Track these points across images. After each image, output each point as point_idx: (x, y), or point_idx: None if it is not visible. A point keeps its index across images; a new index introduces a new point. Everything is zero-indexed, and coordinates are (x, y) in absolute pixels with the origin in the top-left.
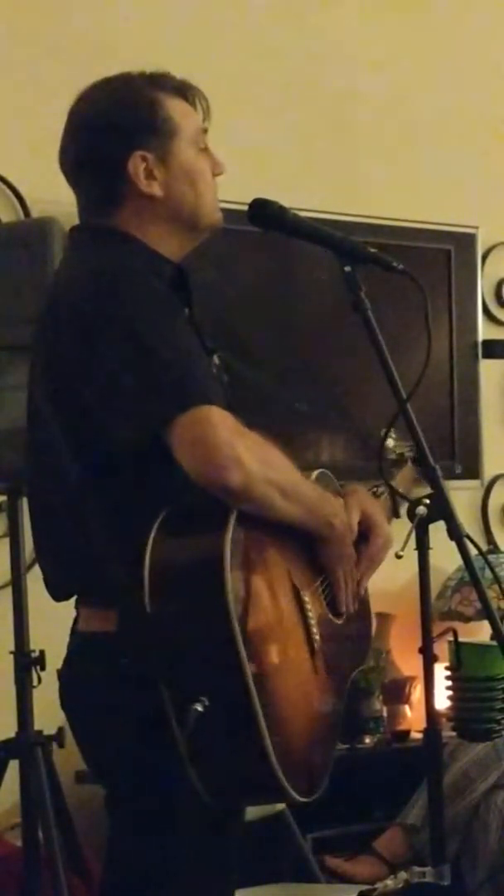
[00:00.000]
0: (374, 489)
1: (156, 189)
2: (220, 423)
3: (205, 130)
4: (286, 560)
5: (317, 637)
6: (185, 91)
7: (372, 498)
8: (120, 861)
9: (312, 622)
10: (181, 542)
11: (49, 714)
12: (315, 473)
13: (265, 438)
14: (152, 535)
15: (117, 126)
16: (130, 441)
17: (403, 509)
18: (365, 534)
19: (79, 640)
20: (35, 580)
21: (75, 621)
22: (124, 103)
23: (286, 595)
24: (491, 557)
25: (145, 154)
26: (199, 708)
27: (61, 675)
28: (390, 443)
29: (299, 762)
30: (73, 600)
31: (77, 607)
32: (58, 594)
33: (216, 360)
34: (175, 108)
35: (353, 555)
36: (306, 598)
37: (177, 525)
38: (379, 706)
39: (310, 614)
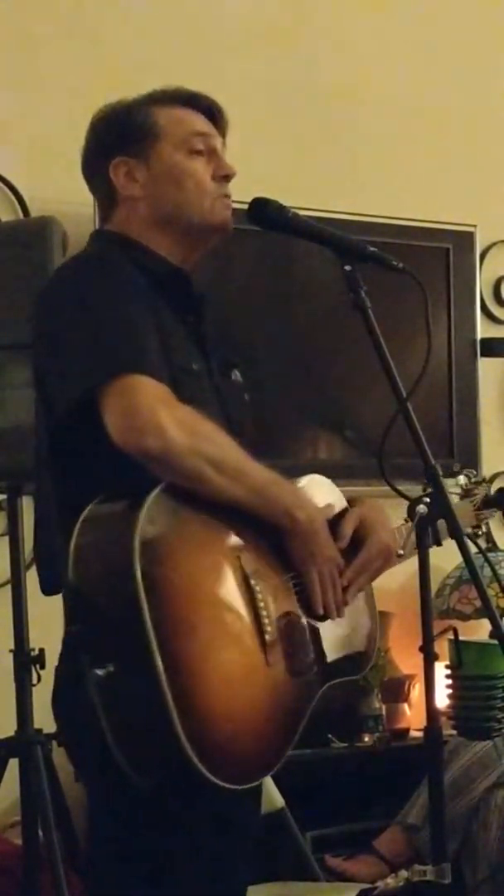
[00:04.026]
0: (406, 521)
1: (136, 191)
2: (145, 391)
3: (202, 134)
4: (237, 544)
5: (269, 628)
6: (185, 99)
7: (380, 512)
8: (101, 858)
9: (264, 612)
10: (106, 517)
11: (48, 713)
12: (304, 479)
13: (207, 419)
14: (85, 512)
15: (99, 138)
16: (66, 410)
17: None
18: (361, 542)
19: (63, 638)
20: (34, 578)
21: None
22: (107, 118)
23: (230, 579)
24: (490, 556)
25: (126, 159)
26: (100, 672)
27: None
28: (461, 479)
29: (226, 746)
30: None
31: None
32: (46, 587)
33: (237, 375)
34: (162, 114)
35: (335, 558)
36: (258, 587)
37: (109, 502)
38: (378, 705)
39: (261, 604)
